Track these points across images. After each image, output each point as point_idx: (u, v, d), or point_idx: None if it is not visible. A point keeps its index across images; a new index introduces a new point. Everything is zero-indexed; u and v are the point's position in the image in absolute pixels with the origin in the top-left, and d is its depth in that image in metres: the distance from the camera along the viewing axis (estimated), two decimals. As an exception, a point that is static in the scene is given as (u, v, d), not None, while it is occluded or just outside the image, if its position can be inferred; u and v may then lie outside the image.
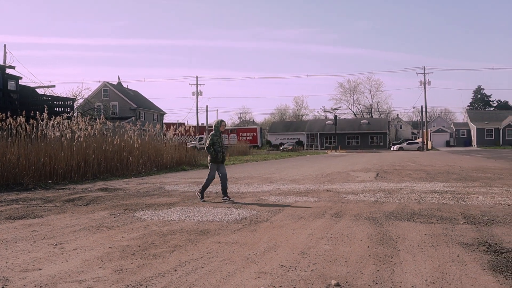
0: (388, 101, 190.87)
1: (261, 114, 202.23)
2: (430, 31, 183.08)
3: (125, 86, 71.00)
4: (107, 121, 22.43)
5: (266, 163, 30.38)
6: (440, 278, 4.43)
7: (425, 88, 67.96)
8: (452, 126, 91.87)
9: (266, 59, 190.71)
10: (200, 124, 71.78)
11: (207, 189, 11.12)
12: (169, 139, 25.29)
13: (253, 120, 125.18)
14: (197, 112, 69.38)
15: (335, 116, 75.26)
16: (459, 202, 9.76)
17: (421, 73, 68.60)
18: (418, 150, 64.63)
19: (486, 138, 75.21)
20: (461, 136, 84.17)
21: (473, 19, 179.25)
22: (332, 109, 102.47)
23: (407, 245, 5.82)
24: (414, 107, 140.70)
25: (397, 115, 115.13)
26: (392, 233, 6.55)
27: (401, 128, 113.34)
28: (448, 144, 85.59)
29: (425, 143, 66.83)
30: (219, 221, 7.81)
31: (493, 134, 75.33)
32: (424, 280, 4.39)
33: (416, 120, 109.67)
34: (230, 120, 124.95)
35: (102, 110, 53.39)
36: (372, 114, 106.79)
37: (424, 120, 71.32)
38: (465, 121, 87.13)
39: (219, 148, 10.50)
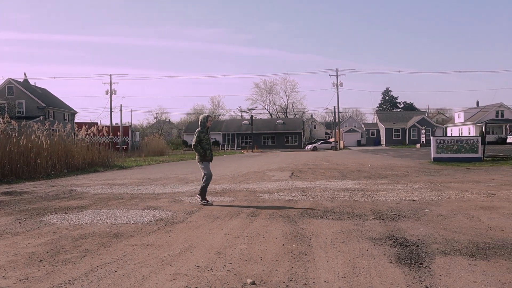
0: (303, 101, 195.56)
1: (177, 114, 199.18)
2: (342, 34, 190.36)
3: (32, 83, 67.23)
4: (12, 121, 21.14)
5: (183, 164, 30.07)
6: (351, 272, 4.60)
7: (337, 89, 70.49)
8: (363, 126, 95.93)
9: (183, 59, 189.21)
10: (114, 123, 69.65)
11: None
12: (81, 139, 24.31)
13: (169, 120, 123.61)
14: (111, 111, 67.22)
15: (251, 116, 76.11)
16: (369, 199, 10.21)
17: (334, 75, 71.01)
18: (331, 149, 66.84)
19: (393, 138, 79.38)
20: (371, 135, 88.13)
21: (383, 24, 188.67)
22: (248, 109, 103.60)
23: (320, 241, 5.99)
24: (327, 108, 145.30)
25: (311, 115, 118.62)
26: (306, 231, 6.71)
27: (315, 128, 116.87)
28: (359, 143, 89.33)
29: (338, 142, 69.29)
30: (134, 223, 7.62)
31: (400, 133, 79.71)
32: (336, 274, 4.53)
33: (329, 120, 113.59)
34: (146, 120, 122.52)
35: (6, 109, 50.28)
36: (288, 115, 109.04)
37: (336, 120, 73.99)
38: (375, 122, 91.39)
39: (207, 145, 9.78)
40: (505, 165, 21.51)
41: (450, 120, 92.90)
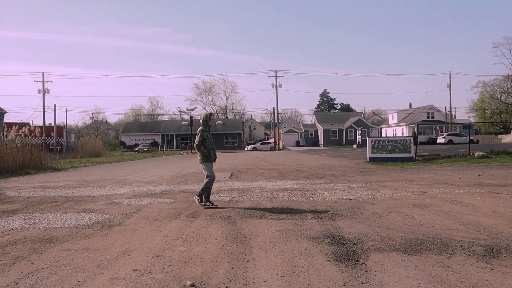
0: (243, 102, 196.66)
1: (115, 114, 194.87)
2: (282, 35, 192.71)
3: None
4: None
5: (120, 165, 29.41)
6: (290, 271, 4.65)
7: (276, 90, 71.24)
8: (301, 127, 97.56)
9: (120, 58, 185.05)
10: (47, 124, 67.02)
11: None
12: (10, 140, 23.23)
13: (106, 120, 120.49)
14: (44, 111, 64.70)
15: (191, 117, 75.32)
16: (307, 198, 10.38)
17: (273, 76, 71.80)
18: (270, 150, 67.45)
19: (331, 138, 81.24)
20: (309, 136, 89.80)
21: (320, 27, 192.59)
22: (187, 109, 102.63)
23: (259, 241, 6.02)
24: (266, 109, 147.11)
25: (251, 116, 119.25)
26: (245, 231, 6.73)
27: (254, 128, 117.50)
28: (298, 144, 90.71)
29: (277, 143, 70.06)
30: (68, 227, 7.36)
31: (337, 134, 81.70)
32: (275, 274, 4.57)
33: (268, 121, 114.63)
34: (82, 120, 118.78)
35: None
36: (227, 115, 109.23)
37: (276, 121, 74.79)
38: (313, 122, 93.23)
39: (211, 145, 9.39)
40: (436, 164, 22.50)
41: (385, 121, 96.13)
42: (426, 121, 74.20)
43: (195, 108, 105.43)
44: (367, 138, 26.84)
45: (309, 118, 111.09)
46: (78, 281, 4.44)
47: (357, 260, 5.01)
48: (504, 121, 73.99)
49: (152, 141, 79.68)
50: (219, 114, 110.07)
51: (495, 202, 9.26)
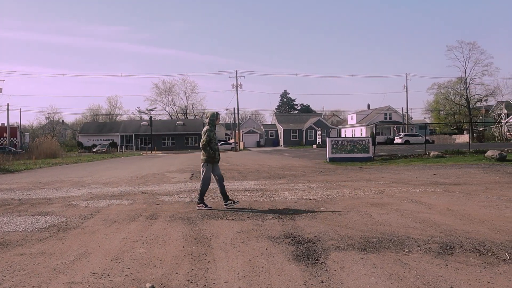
0: (203, 102, 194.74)
1: (71, 114, 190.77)
2: (242, 35, 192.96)
3: None
4: None
5: (78, 166, 28.77)
6: (250, 272, 4.65)
7: (237, 91, 71.29)
8: (262, 127, 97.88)
9: (77, 57, 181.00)
10: (0, 124, 64.94)
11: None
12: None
13: (63, 120, 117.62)
14: (-3, 111, 62.67)
15: (150, 117, 74.59)
16: (268, 198, 10.42)
17: (234, 77, 71.82)
18: (231, 150, 67.36)
19: (291, 139, 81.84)
20: (270, 136, 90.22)
21: (280, 27, 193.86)
22: (147, 110, 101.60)
23: (220, 242, 6.00)
24: (227, 109, 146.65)
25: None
26: (206, 232, 6.70)
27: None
28: (258, 144, 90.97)
29: (238, 143, 70.06)
30: (23, 230, 7.14)
31: (298, 134, 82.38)
32: (236, 274, 4.57)
33: (229, 122, 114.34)
34: (37, 120, 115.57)
35: None
36: (188, 116, 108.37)
37: (236, 121, 74.79)
38: (274, 123, 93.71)
39: (216, 145, 9.19)
40: (393, 164, 23.00)
41: (344, 121, 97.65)
42: (384, 121, 75.77)
43: (155, 108, 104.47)
44: (327, 138, 27.18)
45: (270, 119, 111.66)
46: (33, 286, 4.31)
47: (317, 259, 5.06)
48: (457, 122, 76.35)
49: (111, 141, 78.24)
50: (179, 115, 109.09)
51: (449, 201, 9.54)
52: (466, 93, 74.03)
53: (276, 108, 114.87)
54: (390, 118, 77.47)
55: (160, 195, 11.50)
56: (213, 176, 9.21)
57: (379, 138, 64.66)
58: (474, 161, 23.13)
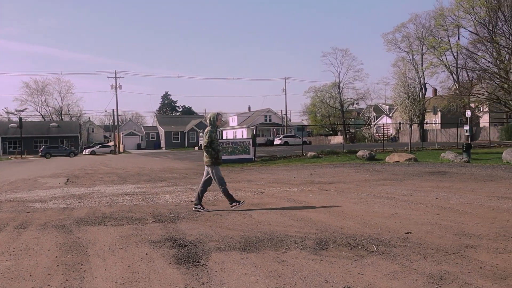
0: (80, 103, 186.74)
1: None
2: (119, 36, 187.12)
3: None
4: None
5: None
6: (130, 278, 4.51)
7: (116, 92, 69.00)
8: (143, 129, 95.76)
9: None
10: None
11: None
12: None
13: None
14: None
15: (20, 119, 69.39)
16: (148, 202, 10.20)
17: (113, 77, 69.41)
18: (110, 153, 65.09)
19: (173, 141, 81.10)
20: (151, 139, 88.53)
21: (160, 28, 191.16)
22: (16, 110, 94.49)
23: (97, 249, 5.75)
24: (106, 110, 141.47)
25: (89, 118, 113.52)
26: (82, 239, 6.38)
27: (93, 131, 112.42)
28: (139, 146, 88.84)
29: (117, 146, 67.85)
30: None
31: (179, 137, 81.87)
32: (114, 282, 4.40)
33: (108, 124, 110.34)
34: None
35: None
36: (63, 117, 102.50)
37: (116, 123, 72.32)
38: (155, 125, 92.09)
39: (218, 146, 8.81)
40: (273, 164, 23.74)
41: (225, 123, 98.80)
42: (264, 123, 77.87)
43: (26, 109, 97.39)
44: (209, 140, 27.17)
45: (151, 121, 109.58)
46: None
47: (198, 262, 5.05)
48: (332, 124, 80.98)
49: (-26, 145, 71.58)
50: (53, 116, 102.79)
51: (325, 198, 10.06)
52: (340, 96, 78.60)
53: (157, 110, 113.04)
54: (270, 120, 79.84)
55: (31, 202, 10.73)
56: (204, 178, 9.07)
57: (260, 140, 66.35)
58: (347, 161, 24.66)
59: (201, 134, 71.44)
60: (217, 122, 8.89)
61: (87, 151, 68.31)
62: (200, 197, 8.86)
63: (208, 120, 9.08)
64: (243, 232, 6.56)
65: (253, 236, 6.30)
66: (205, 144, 8.69)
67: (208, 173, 8.97)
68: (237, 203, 8.84)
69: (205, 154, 8.86)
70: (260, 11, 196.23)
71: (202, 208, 8.74)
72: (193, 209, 8.79)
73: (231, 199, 8.87)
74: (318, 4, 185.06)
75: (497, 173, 15.07)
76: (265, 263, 4.95)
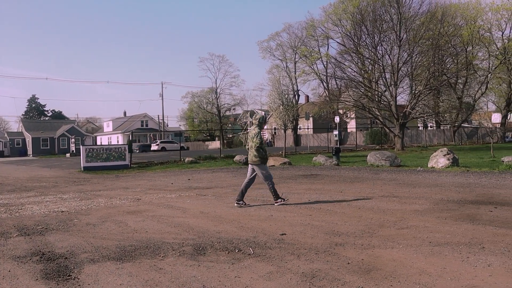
0: None
1: None
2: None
3: None
4: None
5: None
6: (-10, 299, 4.12)
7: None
8: (6, 135, 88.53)
9: None
10: None
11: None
12: None
13: None
14: None
15: None
16: (12, 214, 9.42)
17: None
18: (-32, 162, 59.34)
19: (42, 147, 76.01)
20: (16, 145, 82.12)
21: (25, 25, 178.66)
22: None
23: (-49, 269, 5.17)
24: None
25: None
26: None
27: None
28: (2, 154, 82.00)
29: (-23, 154, 62.05)
30: None
31: (49, 143, 76.96)
32: (-29, 304, 3.99)
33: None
34: None
35: None
36: None
37: (-25, 129, 66.12)
38: (20, 131, 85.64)
39: (265, 146, 9.31)
40: (150, 171, 23.28)
41: (100, 129, 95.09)
42: (140, 129, 76.21)
43: None
44: (81, 146, 26.08)
45: (16, 126, 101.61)
46: None
47: (69, 275, 4.76)
48: (210, 129, 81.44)
49: None
50: None
51: (202, 204, 10.07)
52: (217, 102, 79.53)
53: (23, 114, 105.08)
54: (147, 125, 78.37)
55: None
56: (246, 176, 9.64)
57: (136, 146, 64.78)
58: (224, 166, 24.96)
59: (73, 140, 67.92)
60: (263, 124, 9.48)
61: None
62: (243, 193, 9.39)
63: (256, 121, 9.44)
64: (118, 242, 6.33)
65: (129, 245, 6.10)
66: (258, 145, 9.11)
67: (253, 171, 9.42)
68: (282, 200, 9.28)
69: (254, 153, 9.22)
70: (135, 13, 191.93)
71: (244, 203, 9.31)
72: (235, 205, 9.30)
73: (276, 195, 9.29)
74: (195, 9, 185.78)
75: (363, 175, 16.23)
76: (141, 272, 4.81)
